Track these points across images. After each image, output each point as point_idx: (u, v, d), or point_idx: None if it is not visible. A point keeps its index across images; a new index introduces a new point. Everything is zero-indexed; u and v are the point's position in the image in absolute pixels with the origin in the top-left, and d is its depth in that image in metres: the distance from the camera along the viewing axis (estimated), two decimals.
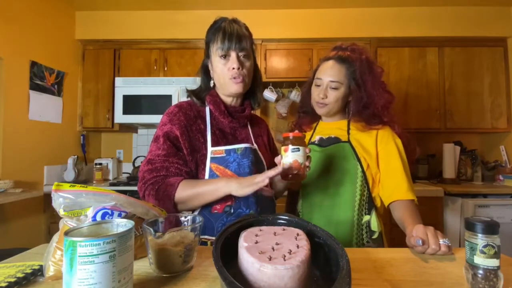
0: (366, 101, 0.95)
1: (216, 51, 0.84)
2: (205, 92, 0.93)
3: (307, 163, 0.76)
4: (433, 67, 2.48)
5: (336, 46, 1.04)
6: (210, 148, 0.84)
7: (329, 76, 0.96)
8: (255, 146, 0.93)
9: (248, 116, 0.95)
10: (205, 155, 0.84)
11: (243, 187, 0.74)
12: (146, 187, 0.79)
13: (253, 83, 0.93)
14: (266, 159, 0.94)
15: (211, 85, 0.92)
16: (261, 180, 0.72)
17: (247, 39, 0.85)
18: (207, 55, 0.90)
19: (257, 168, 0.88)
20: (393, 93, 1.00)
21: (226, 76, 0.84)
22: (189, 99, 0.94)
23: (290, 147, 0.74)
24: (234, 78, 0.84)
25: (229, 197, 0.79)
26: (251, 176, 0.76)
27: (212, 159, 0.84)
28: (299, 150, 0.74)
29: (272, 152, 1.05)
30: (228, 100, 0.92)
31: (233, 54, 0.83)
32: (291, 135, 0.76)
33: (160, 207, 0.66)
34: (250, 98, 0.96)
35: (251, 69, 0.89)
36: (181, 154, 0.83)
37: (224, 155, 0.84)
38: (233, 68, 0.83)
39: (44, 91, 2.19)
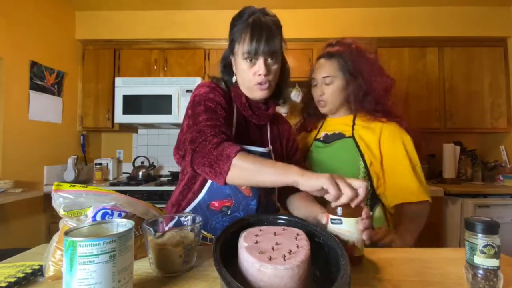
0: (365, 89, 0.95)
1: (242, 54, 0.76)
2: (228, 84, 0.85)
3: (355, 240, 0.54)
4: (433, 67, 2.47)
5: (326, 44, 1.06)
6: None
7: (321, 73, 0.98)
8: (269, 148, 0.85)
9: (271, 115, 0.87)
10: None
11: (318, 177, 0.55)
12: (200, 143, 0.66)
13: (280, 79, 0.84)
14: None
15: (233, 81, 0.85)
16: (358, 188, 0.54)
17: (277, 38, 0.75)
18: (231, 51, 0.81)
19: None
20: (392, 77, 1.00)
21: (252, 81, 0.78)
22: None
23: (330, 217, 0.56)
24: (260, 84, 0.77)
25: (229, 197, 0.78)
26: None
27: None
28: (341, 223, 0.54)
29: (289, 155, 0.94)
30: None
31: (260, 59, 0.75)
32: (333, 203, 0.55)
33: (206, 166, 0.62)
34: (275, 95, 0.86)
35: (278, 71, 0.80)
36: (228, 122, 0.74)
37: None
38: (259, 74, 0.76)
39: (44, 91, 2.19)
